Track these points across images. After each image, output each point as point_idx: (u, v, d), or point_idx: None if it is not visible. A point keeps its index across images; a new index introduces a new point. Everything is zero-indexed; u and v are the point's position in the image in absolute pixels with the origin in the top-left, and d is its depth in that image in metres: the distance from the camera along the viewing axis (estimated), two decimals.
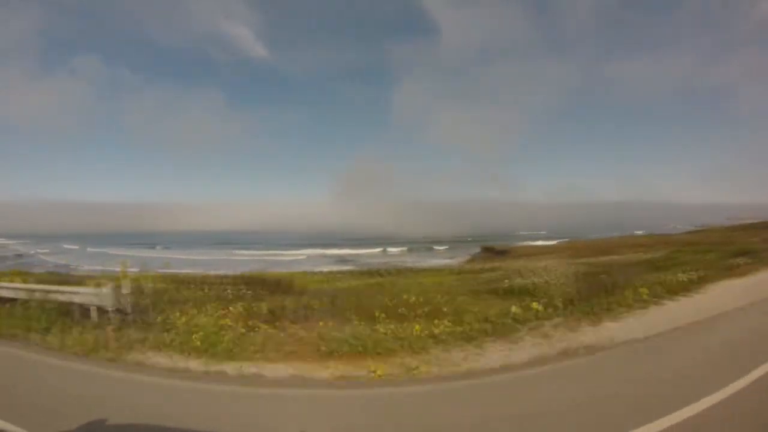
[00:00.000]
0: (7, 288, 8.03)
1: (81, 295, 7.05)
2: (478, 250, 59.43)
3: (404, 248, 54.21)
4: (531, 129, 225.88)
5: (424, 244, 58.71)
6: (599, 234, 62.65)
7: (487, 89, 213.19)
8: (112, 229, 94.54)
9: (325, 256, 48.73)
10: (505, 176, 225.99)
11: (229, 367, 5.28)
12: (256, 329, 6.40)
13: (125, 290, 6.87)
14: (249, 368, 5.27)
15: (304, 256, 47.97)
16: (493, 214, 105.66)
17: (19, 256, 53.88)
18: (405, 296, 7.94)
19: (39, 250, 60.44)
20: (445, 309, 7.12)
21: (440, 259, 49.20)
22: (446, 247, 56.43)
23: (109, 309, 6.71)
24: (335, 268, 41.75)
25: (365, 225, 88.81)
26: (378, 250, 54.16)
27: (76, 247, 65.40)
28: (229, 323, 6.55)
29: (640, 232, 65.42)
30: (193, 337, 5.98)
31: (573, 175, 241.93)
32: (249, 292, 9.27)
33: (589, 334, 6.30)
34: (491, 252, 34.14)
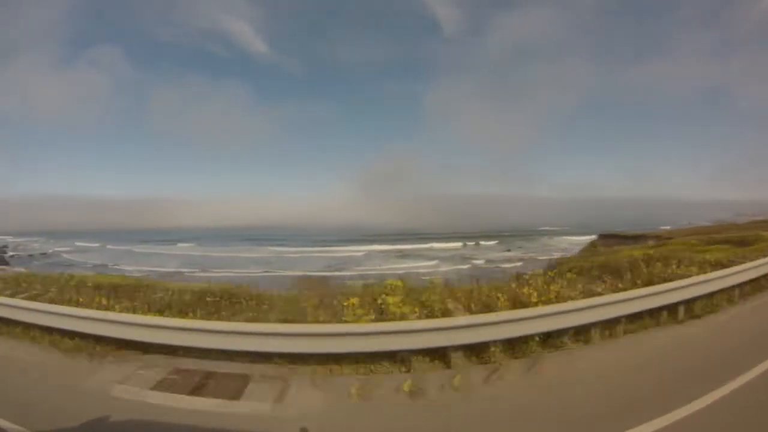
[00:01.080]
0: None
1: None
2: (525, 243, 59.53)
3: (458, 244, 53.27)
4: (546, 128, 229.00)
5: (469, 239, 57.95)
6: (626, 228, 63.35)
7: (505, 89, 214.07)
8: (119, 225, 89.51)
9: (383, 252, 47.18)
10: (522, 173, 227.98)
11: None
12: None
13: None
14: None
15: (362, 253, 46.25)
16: (511, 209, 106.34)
17: (44, 254, 49.95)
18: None
19: (58, 249, 56.21)
20: None
21: (496, 252, 48.65)
22: (496, 241, 55.94)
23: None
24: (418, 264, 40.29)
25: (388, 221, 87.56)
26: (425, 245, 53.04)
27: (94, 244, 61.25)
28: None
29: (667, 227, 66.91)
30: None
31: (580, 173, 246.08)
32: None
33: None
34: (615, 238, 33.42)
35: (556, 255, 49.39)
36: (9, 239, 59.19)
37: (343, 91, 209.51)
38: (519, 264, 41.25)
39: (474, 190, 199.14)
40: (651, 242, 31.45)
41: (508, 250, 49.82)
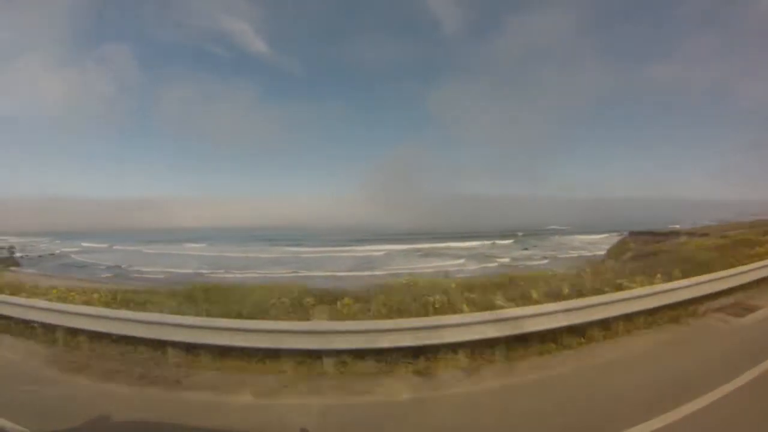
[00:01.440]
0: None
1: None
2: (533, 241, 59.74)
3: (473, 243, 53.18)
4: (551, 129, 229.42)
5: (482, 238, 57.94)
6: (631, 227, 63.84)
7: (511, 90, 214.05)
8: (123, 225, 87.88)
9: (402, 251, 46.88)
10: (528, 173, 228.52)
11: None
12: None
13: None
14: None
15: (382, 252, 45.87)
16: (518, 209, 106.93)
17: (53, 255, 48.66)
18: None
19: (65, 250, 54.81)
20: None
21: (514, 251, 48.65)
22: (511, 240, 56.09)
23: None
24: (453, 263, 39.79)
25: (396, 221, 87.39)
26: (442, 244, 52.94)
27: (102, 245, 59.90)
28: None
29: (676, 226, 67.60)
30: None
31: (583, 173, 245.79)
32: None
33: None
34: (647, 235, 33.59)
35: (574, 253, 49.93)
36: (13, 240, 57.45)
37: (349, 92, 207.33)
38: (545, 262, 41.52)
39: (482, 190, 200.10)
40: (684, 238, 31.73)
41: (526, 249, 49.97)
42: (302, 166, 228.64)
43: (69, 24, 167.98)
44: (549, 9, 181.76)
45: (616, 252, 34.19)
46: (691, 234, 32.21)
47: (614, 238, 53.06)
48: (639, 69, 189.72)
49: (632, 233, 37.55)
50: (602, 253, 40.04)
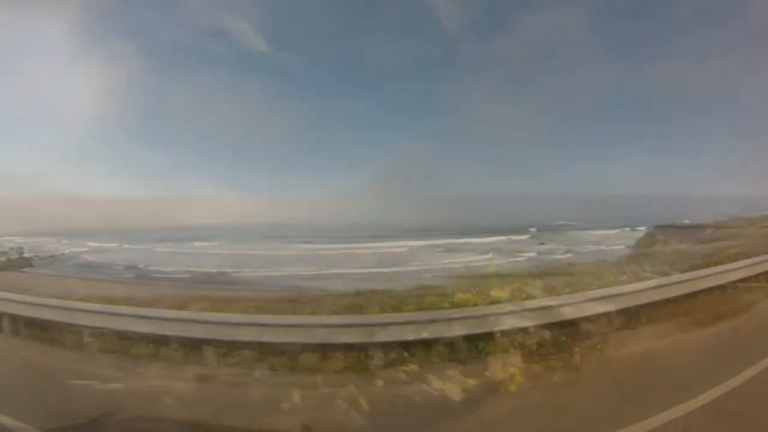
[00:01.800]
0: None
1: None
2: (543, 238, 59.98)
3: (492, 238, 53.02)
4: (555, 126, 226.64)
5: (497, 234, 57.82)
6: (635, 223, 63.78)
7: (510, 87, 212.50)
8: (124, 224, 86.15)
9: (422, 247, 46.56)
10: (533, 171, 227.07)
11: None
12: None
13: None
14: None
15: (402, 249, 45.51)
16: (524, 206, 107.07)
17: (63, 255, 47.66)
18: None
19: (74, 249, 53.63)
20: None
21: (534, 245, 48.60)
22: (528, 236, 56.09)
23: None
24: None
25: (400, 219, 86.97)
26: (461, 240, 52.69)
27: (111, 244, 58.75)
28: None
29: (685, 221, 67.76)
30: None
31: (585, 169, 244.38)
32: None
33: None
34: (673, 228, 33.77)
35: (592, 248, 50.07)
36: (18, 240, 56.09)
37: (353, 90, 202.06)
38: (568, 256, 41.49)
39: (490, 187, 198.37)
40: (710, 231, 32.02)
41: (543, 244, 50.05)
42: (308, 164, 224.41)
43: (70, 23, 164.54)
44: (553, 7, 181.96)
45: (645, 244, 34.52)
46: (716, 227, 32.53)
47: (627, 234, 53.51)
48: (640, 68, 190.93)
49: (656, 227, 37.90)
50: (620, 247, 40.30)
